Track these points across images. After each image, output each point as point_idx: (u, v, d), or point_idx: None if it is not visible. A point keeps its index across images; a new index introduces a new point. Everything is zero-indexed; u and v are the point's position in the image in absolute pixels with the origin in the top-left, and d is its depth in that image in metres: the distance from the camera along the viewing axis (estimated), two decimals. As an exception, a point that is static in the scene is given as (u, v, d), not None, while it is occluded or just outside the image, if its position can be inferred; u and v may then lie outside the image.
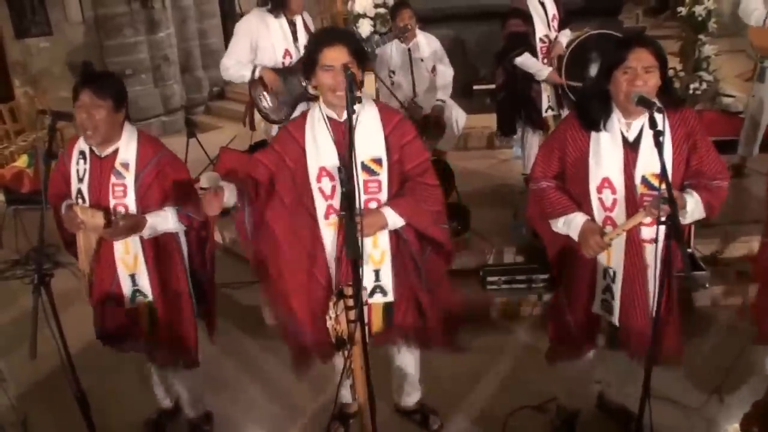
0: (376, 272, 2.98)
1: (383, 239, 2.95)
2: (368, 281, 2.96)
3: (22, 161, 6.09)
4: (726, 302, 4.47)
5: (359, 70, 2.76)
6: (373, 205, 2.88)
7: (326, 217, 2.89)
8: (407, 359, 3.42)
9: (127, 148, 3.03)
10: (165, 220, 3.05)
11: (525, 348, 4.21)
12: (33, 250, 5.74)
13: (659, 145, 2.41)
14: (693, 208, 2.72)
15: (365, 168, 2.84)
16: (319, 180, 2.85)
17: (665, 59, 2.72)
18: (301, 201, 2.90)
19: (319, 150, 2.83)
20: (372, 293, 3.00)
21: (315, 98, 4.58)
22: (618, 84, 2.67)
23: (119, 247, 3.08)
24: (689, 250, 4.40)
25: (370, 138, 2.85)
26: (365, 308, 2.97)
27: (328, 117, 2.84)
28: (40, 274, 2.53)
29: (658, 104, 2.56)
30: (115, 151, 3.02)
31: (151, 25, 8.81)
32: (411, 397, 3.61)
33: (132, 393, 3.87)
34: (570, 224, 2.87)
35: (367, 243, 2.88)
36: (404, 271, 3.03)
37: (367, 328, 2.99)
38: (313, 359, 3.14)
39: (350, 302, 2.54)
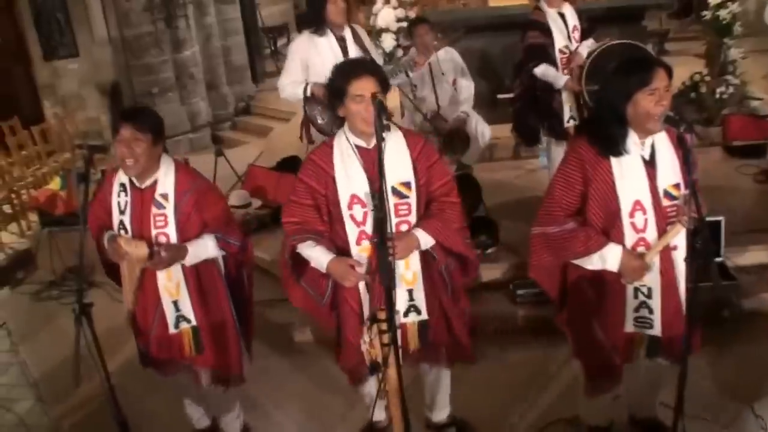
0: (410, 292, 3.05)
1: (414, 260, 3.02)
2: (402, 302, 3.02)
3: (54, 184, 6.20)
4: (757, 311, 4.42)
5: (385, 97, 2.81)
6: (404, 227, 2.97)
7: (358, 243, 2.96)
8: (441, 374, 3.44)
9: (165, 179, 3.12)
10: (205, 248, 3.14)
11: (555, 361, 4.19)
12: (68, 270, 5.86)
13: (688, 165, 2.45)
14: None
15: (395, 192, 2.92)
16: (350, 207, 2.92)
17: (672, 77, 2.77)
18: (333, 227, 2.99)
19: (350, 178, 2.90)
20: (406, 313, 3.07)
21: None
22: (643, 105, 2.68)
23: (162, 275, 3.16)
24: (719, 259, 4.37)
25: (399, 163, 2.94)
26: (399, 329, 3.00)
27: (356, 145, 2.91)
28: (81, 304, 2.59)
29: (685, 124, 2.58)
30: (155, 183, 3.12)
31: (176, 44, 8.93)
32: (442, 413, 3.63)
33: (168, 414, 3.92)
34: (606, 257, 2.84)
35: (400, 265, 2.95)
36: (434, 289, 3.11)
37: (401, 349, 3.04)
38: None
39: (384, 326, 2.57)
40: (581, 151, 2.87)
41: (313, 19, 4.72)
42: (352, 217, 2.93)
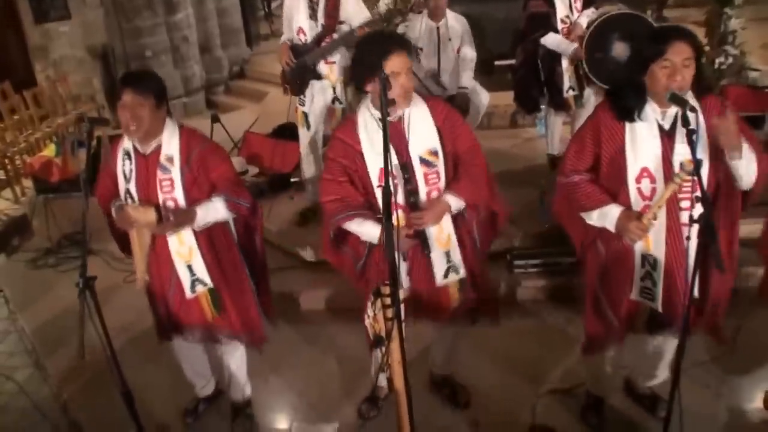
0: (447, 254, 3.14)
1: (447, 222, 3.10)
2: (441, 264, 3.15)
3: (49, 150, 6.14)
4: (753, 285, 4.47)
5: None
6: (434, 194, 3.04)
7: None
8: (447, 334, 3.53)
9: (169, 142, 3.09)
10: (215, 210, 3.11)
11: (553, 331, 4.25)
12: (64, 237, 5.86)
13: (692, 143, 2.44)
14: (746, 152, 2.68)
15: (423, 161, 3.00)
16: (381, 180, 2.91)
17: (701, 49, 2.74)
18: (367, 199, 3.05)
19: (376, 151, 2.93)
20: (446, 274, 3.17)
21: (319, 77, 4.75)
22: (656, 77, 2.67)
23: (174, 240, 3.16)
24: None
25: (425, 132, 3.00)
26: (441, 287, 3.19)
27: (379, 118, 2.90)
28: (85, 278, 2.59)
29: (691, 102, 2.56)
30: (159, 147, 3.08)
31: (169, 6, 8.78)
32: (445, 369, 3.75)
33: (168, 383, 3.96)
34: (606, 216, 2.89)
35: (433, 230, 3.07)
36: (464, 249, 3.19)
37: (439, 309, 3.24)
38: None
39: (387, 301, 2.59)
40: (600, 112, 2.92)
41: None
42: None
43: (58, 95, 8.14)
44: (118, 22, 8.68)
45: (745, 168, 2.72)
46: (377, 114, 2.94)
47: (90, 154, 2.85)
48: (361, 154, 2.98)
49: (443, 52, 5.41)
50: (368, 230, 3.01)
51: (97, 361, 2.94)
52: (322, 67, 4.78)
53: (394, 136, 2.93)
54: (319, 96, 4.90)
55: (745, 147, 2.69)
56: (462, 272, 3.19)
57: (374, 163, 2.97)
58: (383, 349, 2.67)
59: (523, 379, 3.86)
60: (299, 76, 4.84)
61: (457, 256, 3.16)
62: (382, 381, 3.58)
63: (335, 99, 4.88)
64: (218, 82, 9.76)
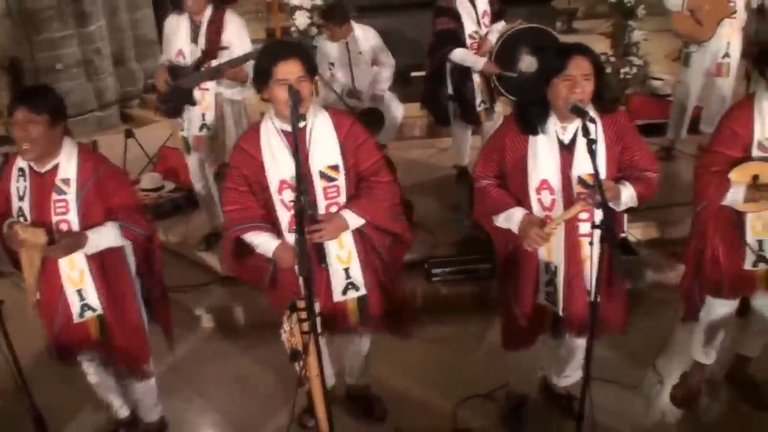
0: (346, 270, 3.13)
1: (347, 239, 3.09)
2: (339, 280, 3.12)
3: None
4: (658, 282, 4.68)
5: (312, 81, 2.89)
6: (333, 209, 3.02)
7: (290, 229, 2.98)
8: (363, 345, 3.54)
9: (67, 163, 3.00)
10: (108, 236, 3.04)
11: (471, 338, 4.33)
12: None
13: (592, 153, 2.56)
14: (626, 197, 2.92)
15: (323, 176, 2.98)
16: (280, 192, 2.95)
17: (601, 67, 2.88)
18: (267, 211, 3.02)
19: (278, 163, 2.92)
20: (345, 290, 3.15)
21: (193, 103, 4.55)
22: (557, 91, 2.80)
23: (64, 263, 3.06)
24: (623, 234, 4.58)
25: (326, 146, 2.97)
26: (340, 303, 3.18)
27: (281, 129, 2.91)
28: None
29: (591, 114, 2.69)
30: (55, 167, 3.00)
31: (80, 17, 8.54)
32: (362, 380, 3.75)
33: (85, 406, 3.85)
34: (510, 218, 3.00)
35: (333, 245, 3.05)
36: (371, 265, 3.20)
37: (341, 322, 3.23)
38: None
39: (303, 315, 2.60)
40: (507, 125, 3.04)
41: (174, 3, 4.63)
42: (282, 201, 2.96)
43: (-39, 111, 7.81)
44: (26, 34, 8.39)
45: (625, 202, 2.94)
46: (280, 125, 2.92)
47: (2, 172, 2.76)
48: (262, 165, 2.95)
49: (355, 66, 5.46)
50: (264, 242, 3.00)
51: (5, 389, 2.84)
52: (196, 93, 4.57)
53: (293, 147, 2.89)
54: (192, 121, 4.67)
55: (625, 191, 2.91)
56: (362, 290, 3.18)
57: (274, 175, 2.95)
58: (301, 363, 2.69)
59: (443, 386, 3.91)
60: (173, 98, 4.65)
61: (357, 274, 3.15)
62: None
63: (203, 126, 4.63)
64: (133, 95, 9.52)
